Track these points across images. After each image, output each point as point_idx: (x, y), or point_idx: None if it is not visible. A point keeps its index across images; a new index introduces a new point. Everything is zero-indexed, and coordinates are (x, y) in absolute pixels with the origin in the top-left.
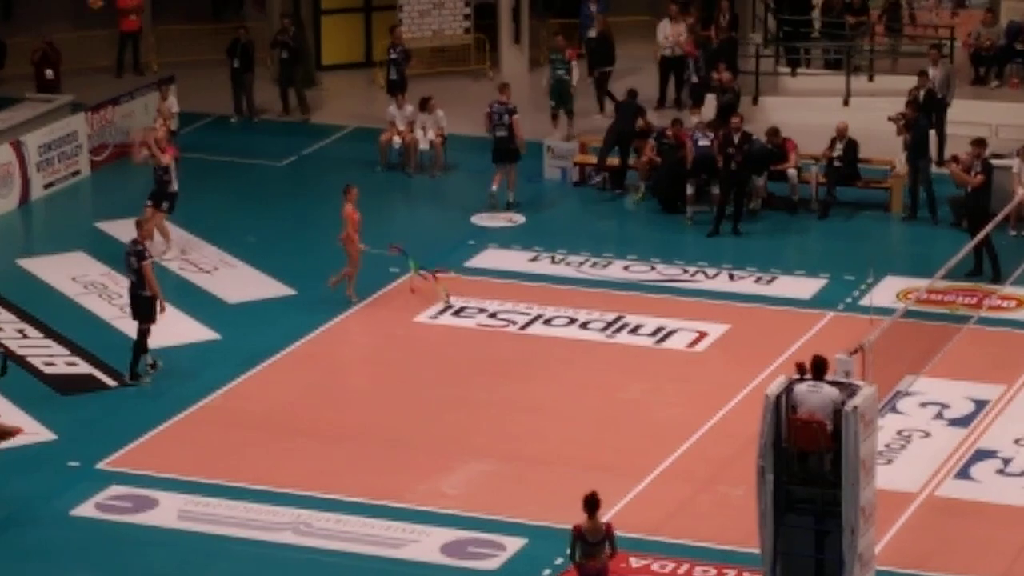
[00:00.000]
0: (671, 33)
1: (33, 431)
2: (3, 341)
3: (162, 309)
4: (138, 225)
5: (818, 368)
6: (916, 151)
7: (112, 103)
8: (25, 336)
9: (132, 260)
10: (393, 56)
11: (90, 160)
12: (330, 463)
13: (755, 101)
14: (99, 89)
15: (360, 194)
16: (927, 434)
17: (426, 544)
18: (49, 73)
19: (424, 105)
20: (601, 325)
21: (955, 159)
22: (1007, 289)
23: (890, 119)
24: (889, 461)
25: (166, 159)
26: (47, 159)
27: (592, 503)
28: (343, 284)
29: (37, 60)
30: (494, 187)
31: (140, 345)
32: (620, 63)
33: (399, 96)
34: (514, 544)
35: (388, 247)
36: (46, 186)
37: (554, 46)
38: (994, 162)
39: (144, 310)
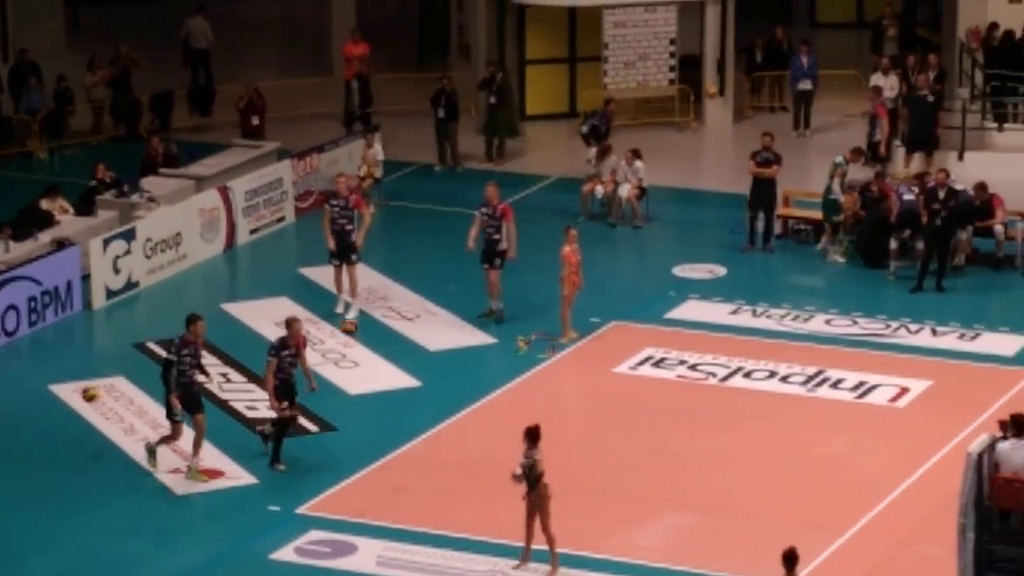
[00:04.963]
0: (886, 86)
1: (235, 475)
2: (207, 386)
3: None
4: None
5: (1021, 426)
6: None
7: (317, 150)
8: (229, 380)
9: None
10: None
11: (295, 206)
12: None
13: (960, 156)
14: (303, 136)
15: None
16: None
17: None
18: (255, 120)
19: (636, 155)
20: (802, 379)
21: None
22: None
23: None
24: None
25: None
26: (253, 205)
27: (790, 558)
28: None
29: (243, 107)
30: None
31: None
32: (828, 117)
33: (604, 145)
34: None
35: None
36: (252, 231)
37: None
38: None
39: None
